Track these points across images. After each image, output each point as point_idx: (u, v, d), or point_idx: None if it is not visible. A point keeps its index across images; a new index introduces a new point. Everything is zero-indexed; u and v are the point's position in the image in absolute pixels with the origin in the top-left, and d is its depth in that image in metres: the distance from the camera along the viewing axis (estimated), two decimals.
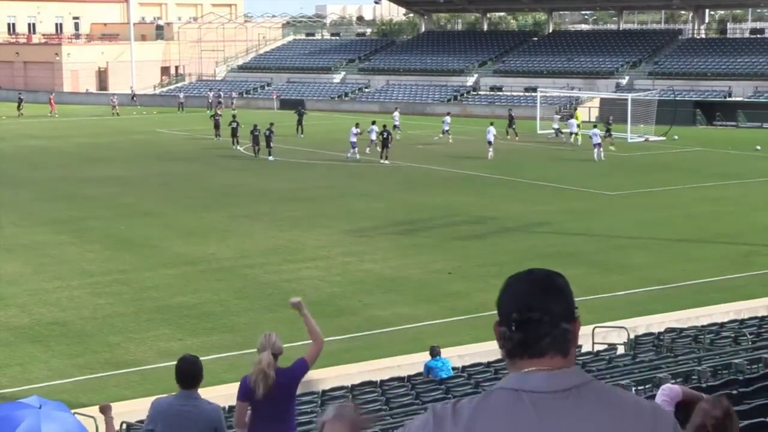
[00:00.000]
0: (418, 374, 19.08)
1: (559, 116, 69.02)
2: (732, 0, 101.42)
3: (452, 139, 63.35)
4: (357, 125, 56.07)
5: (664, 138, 64.79)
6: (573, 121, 64.24)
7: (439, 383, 17.57)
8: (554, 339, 3.12)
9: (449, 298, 26.95)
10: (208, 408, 8.62)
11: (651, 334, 21.83)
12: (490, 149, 55.56)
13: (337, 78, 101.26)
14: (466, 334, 23.57)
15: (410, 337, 23.47)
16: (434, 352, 19.06)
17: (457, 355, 20.85)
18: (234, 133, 60.89)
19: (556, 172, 49.89)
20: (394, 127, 64.69)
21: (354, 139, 54.92)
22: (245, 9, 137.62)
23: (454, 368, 19.12)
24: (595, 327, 22.33)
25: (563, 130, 65.10)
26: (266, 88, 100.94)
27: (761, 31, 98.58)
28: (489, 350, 21.29)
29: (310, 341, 9.83)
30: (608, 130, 59.99)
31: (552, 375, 3.10)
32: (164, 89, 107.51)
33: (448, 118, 64.76)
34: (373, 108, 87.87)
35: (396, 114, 67.96)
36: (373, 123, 59.04)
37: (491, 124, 57.74)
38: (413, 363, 20.41)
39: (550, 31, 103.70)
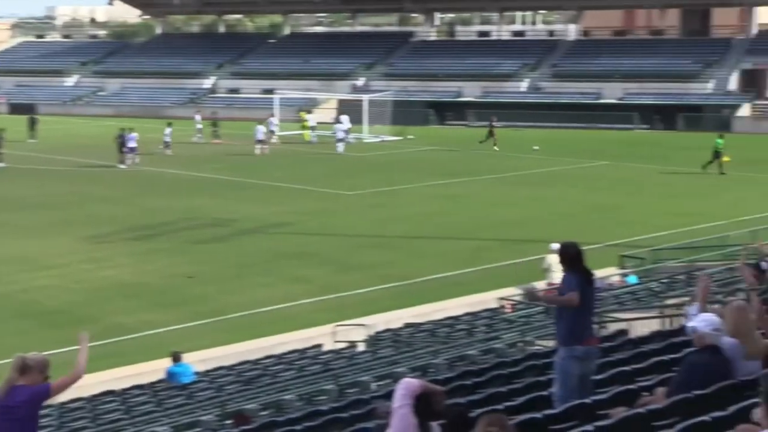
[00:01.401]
0: (161, 381, 18.83)
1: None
2: (459, 3, 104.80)
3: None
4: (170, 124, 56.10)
5: (399, 138, 66.36)
6: (340, 125, 64.07)
7: (181, 389, 17.43)
8: None
9: (191, 302, 26.71)
10: None
11: (390, 330, 22.34)
12: (258, 146, 58.17)
13: (70, 81, 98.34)
14: (208, 338, 23.46)
15: (153, 343, 23.08)
16: (176, 358, 18.88)
17: (199, 360, 20.70)
18: None
19: (296, 173, 50.23)
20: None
21: (132, 146, 53.91)
22: None
23: (196, 373, 19.00)
24: (336, 325, 22.65)
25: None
26: None
27: (487, 33, 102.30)
28: (231, 353, 21.28)
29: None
30: (491, 132, 60.55)
31: None
32: None
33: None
34: (107, 112, 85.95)
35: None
36: (170, 125, 59.74)
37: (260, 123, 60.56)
38: (155, 370, 20.13)
39: (287, 33, 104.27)
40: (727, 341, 8.99)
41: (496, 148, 59.49)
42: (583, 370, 10.51)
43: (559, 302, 10.70)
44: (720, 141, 49.52)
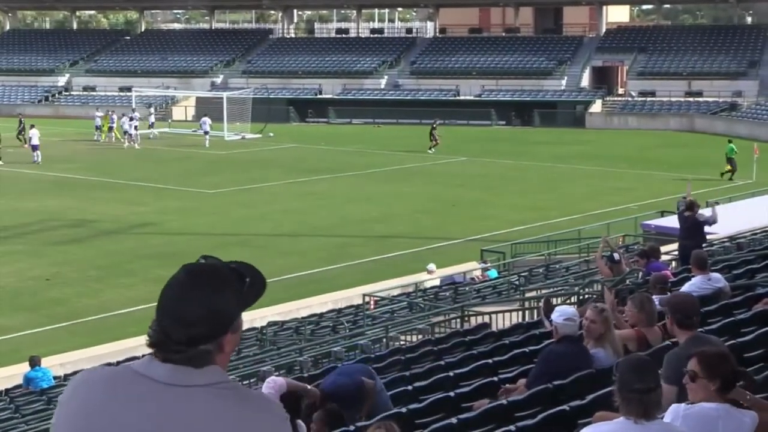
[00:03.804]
0: (18, 386, 18.41)
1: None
2: (318, 1, 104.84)
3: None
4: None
5: (260, 135, 66.07)
6: (205, 119, 62.84)
7: (39, 394, 17.06)
8: (189, 358, 2.86)
9: (48, 305, 26.16)
10: None
11: (254, 328, 22.26)
12: (132, 137, 60.67)
13: None
14: (67, 341, 23.01)
15: (9, 348, 22.56)
16: (33, 363, 18.48)
17: (58, 364, 20.30)
18: None
19: (156, 172, 49.57)
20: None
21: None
22: None
23: (55, 377, 18.63)
24: None
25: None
26: None
27: (346, 30, 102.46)
28: (91, 356, 20.89)
29: None
30: (432, 135, 57.86)
31: (177, 369, 2.86)
32: None
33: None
34: None
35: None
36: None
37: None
38: (11, 375, 19.67)
39: (143, 29, 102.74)
40: (593, 353, 9.13)
41: (430, 151, 56.70)
42: None
43: None
44: (733, 147, 45.96)
